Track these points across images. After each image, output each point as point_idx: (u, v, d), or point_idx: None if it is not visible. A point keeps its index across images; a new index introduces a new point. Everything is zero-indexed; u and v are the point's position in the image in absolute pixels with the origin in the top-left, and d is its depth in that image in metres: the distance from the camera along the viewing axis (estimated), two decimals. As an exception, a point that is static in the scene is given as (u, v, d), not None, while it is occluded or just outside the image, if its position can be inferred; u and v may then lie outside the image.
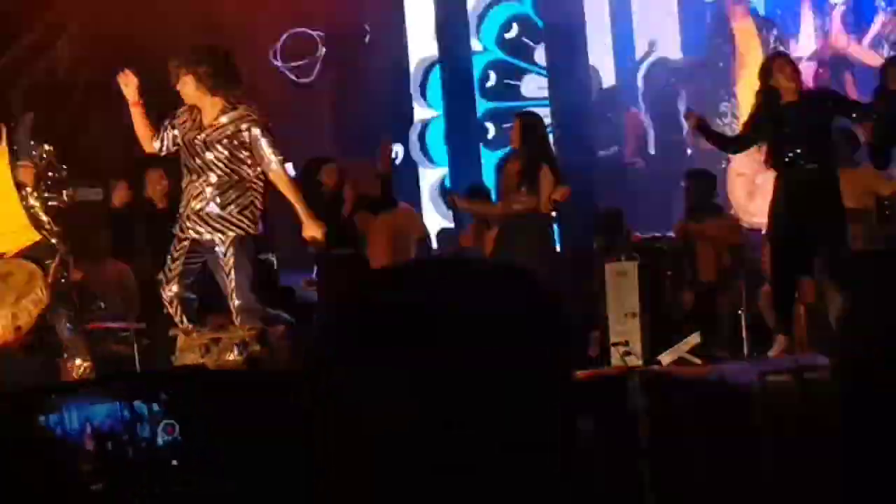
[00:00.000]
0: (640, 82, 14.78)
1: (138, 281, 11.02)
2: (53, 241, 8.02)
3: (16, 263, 7.87)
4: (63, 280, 8.03)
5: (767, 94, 9.08)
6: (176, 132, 8.14)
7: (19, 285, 7.72)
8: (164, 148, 8.21)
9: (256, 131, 7.99)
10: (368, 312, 1.36)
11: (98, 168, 12.07)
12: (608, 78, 14.99)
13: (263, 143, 7.98)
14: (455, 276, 1.36)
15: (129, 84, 8.10)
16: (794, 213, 8.92)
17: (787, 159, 8.97)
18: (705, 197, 11.17)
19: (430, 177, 15.61)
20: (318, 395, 1.33)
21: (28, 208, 8.00)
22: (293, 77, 15.03)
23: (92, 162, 12.00)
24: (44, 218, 8.03)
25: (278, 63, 15.06)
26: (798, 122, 8.92)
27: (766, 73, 9.15)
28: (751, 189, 11.31)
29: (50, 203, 8.07)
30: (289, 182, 8.12)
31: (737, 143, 9.86)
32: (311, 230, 8.13)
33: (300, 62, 15.07)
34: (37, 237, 8.00)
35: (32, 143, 8.12)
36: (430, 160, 15.60)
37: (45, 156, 8.07)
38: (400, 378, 1.28)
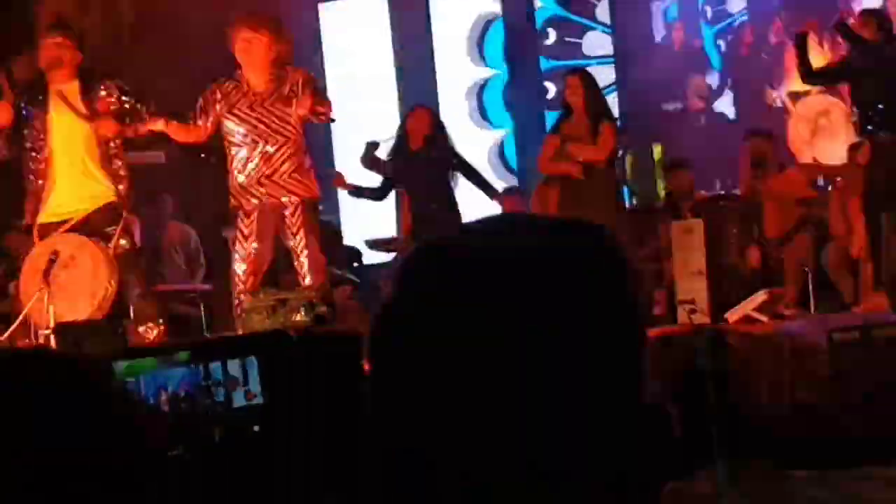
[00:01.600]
0: (716, 42, 14.52)
1: (203, 245, 11.09)
2: (121, 191, 7.97)
3: (76, 243, 7.77)
4: (128, 246, 8.04)
5: (852, 50, 9.14)
6: (218, 107, 8.08)
7: (86, 277, 7.65)
8: (210, 125, 8.13)
9: (302, 79, 7.96)
10: (443, 267, 1.35)
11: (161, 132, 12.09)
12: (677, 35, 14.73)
13: (309, 90, 7.93)
14: (526, 230, 1.35)
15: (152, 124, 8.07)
16: (879, 178, 8.92)
17: (868, 120, 9.01)
18: (770, 155, 11.07)
19: (488, 139, 14.89)
20: (388, 356, 1.32)
21: (106, 153, 7.96)
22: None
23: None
24: (117, 163, 8.01)
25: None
26: (878, 84, 8.92)
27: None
28: (813, 128, 11.11)
29: (128, 136, 8.00)
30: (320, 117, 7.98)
31: (818, 77, 9.96)
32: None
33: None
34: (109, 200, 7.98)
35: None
36: (489, 122, 15.04)
37: (112, 89, 8.05)
38: (472, 334, 1.27)
